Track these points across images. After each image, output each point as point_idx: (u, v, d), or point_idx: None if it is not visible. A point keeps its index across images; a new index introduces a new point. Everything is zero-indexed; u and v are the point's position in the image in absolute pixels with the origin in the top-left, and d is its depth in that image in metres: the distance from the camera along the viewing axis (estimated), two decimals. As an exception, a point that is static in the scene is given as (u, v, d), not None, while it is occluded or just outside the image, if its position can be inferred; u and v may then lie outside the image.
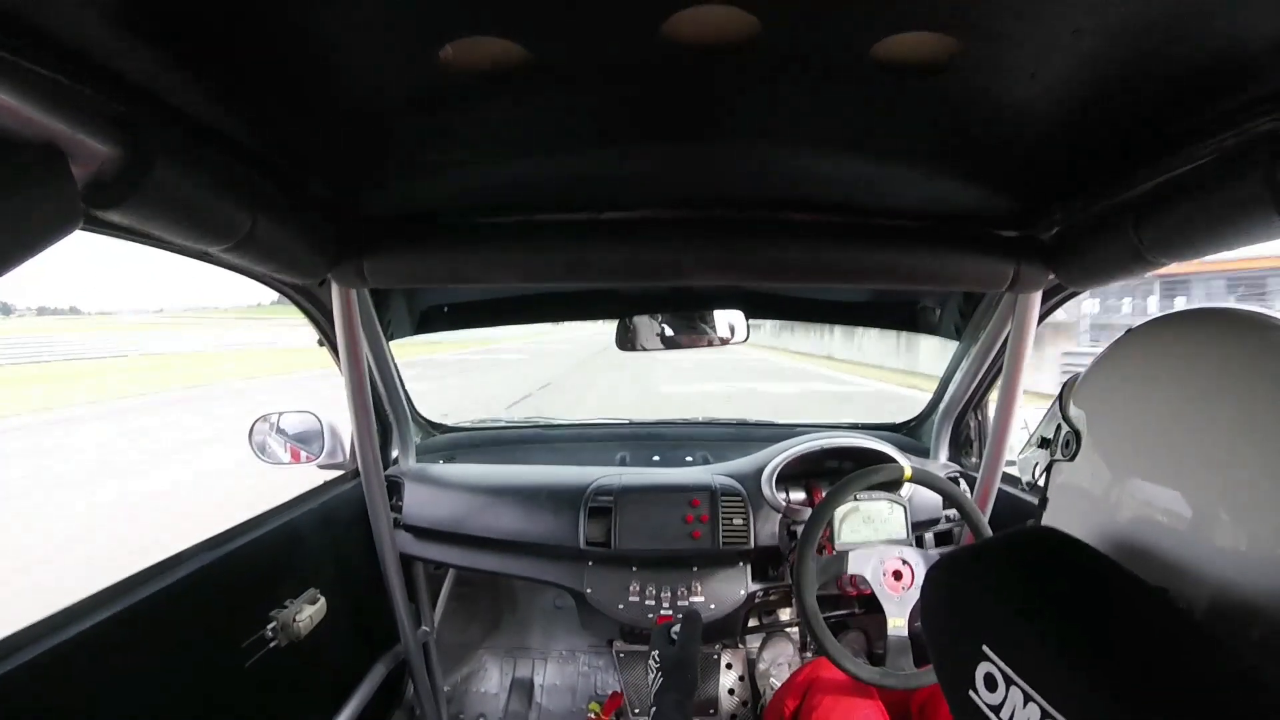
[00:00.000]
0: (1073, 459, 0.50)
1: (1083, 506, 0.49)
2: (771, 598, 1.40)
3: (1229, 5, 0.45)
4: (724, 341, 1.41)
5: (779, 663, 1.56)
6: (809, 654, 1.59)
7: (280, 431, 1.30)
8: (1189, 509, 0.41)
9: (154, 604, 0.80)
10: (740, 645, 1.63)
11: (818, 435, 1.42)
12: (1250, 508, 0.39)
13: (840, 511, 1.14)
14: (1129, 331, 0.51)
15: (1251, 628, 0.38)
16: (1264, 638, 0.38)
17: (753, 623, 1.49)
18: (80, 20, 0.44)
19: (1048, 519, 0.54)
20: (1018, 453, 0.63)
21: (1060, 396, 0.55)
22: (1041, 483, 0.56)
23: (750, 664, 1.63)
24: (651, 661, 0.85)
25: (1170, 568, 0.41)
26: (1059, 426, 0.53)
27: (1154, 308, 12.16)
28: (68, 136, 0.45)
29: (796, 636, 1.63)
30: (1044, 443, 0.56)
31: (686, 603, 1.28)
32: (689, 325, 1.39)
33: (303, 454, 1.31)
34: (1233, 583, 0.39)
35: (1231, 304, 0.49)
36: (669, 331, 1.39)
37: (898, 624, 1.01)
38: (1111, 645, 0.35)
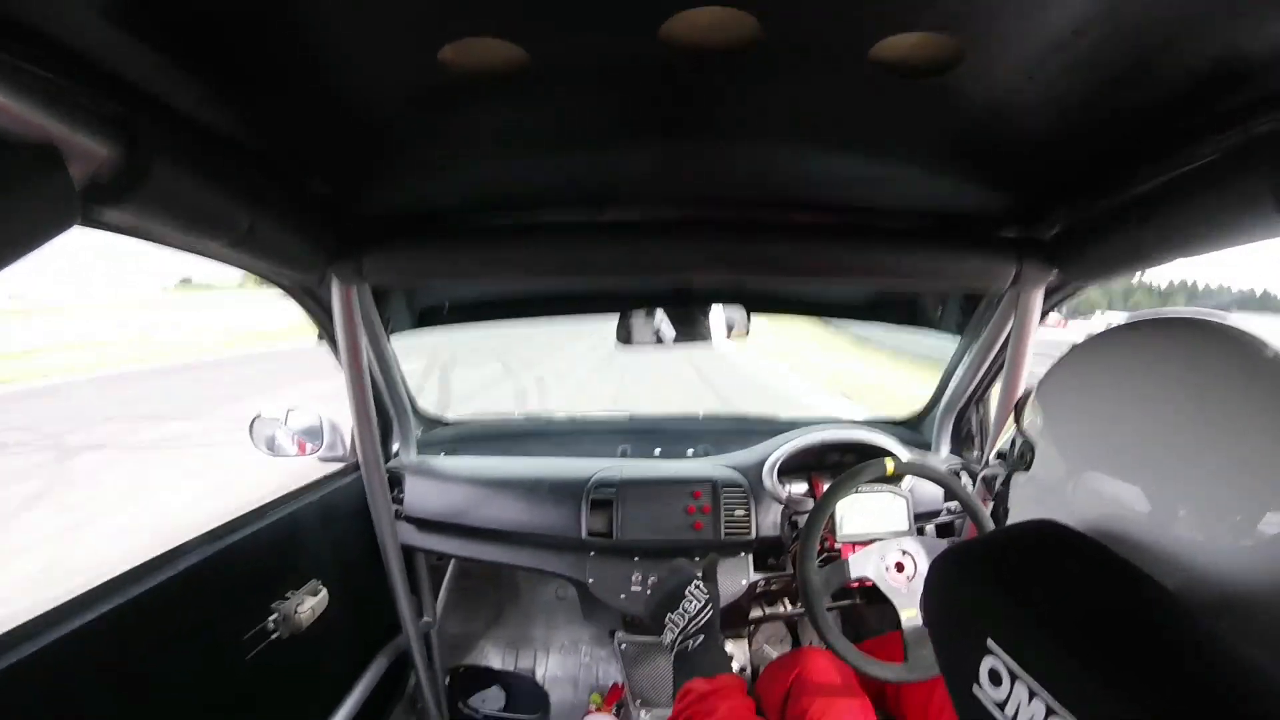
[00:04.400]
0: (1027, 468, 0.51)
1: (1042, 504, 0.49)
2: (773, 587, 1.40)
3: (1230, 6, 0.44)
4: (724, 338, 1.41)
5: (775, 648, 1.58)
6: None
7: (284, 426, 1.31)
8: (1148, 505, 0.41)
9: (156, 596, 0.80)
10: (743, 635, 1.64)
11: (819, 428, 1.42)
12: (1208, 506, 0.39)
13: (842, 505, 1.14)
14: (1090, 337, 0.52)
15: (1221, 618, 0.39)
16: (1233, 627, 0.38)
17: (755, 613, 1.50)
18: (77, 20, 0.44)
19: (1012, 520, 0.54)
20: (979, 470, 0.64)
21: (1017, 408, 0.55)
22: (1001, 489, 0.57)
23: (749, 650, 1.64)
24: (671, 626, 0.84)
25: (1132, 553, 0.42)
26: (1014, 439, 0.53)
27: None
28: (65, 136, 0.45)
29: (794, 620, 1.64)
30: (1000, 456, 0.57)
31: None
32: (689, 323, 1.39)
33: (308, 447, 1.33)
34: (1195, 571, 0.40)
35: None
36: (669, 329, 1.39)
37: (911, 614, 1.00)
38: (1118, 640, 0.35)
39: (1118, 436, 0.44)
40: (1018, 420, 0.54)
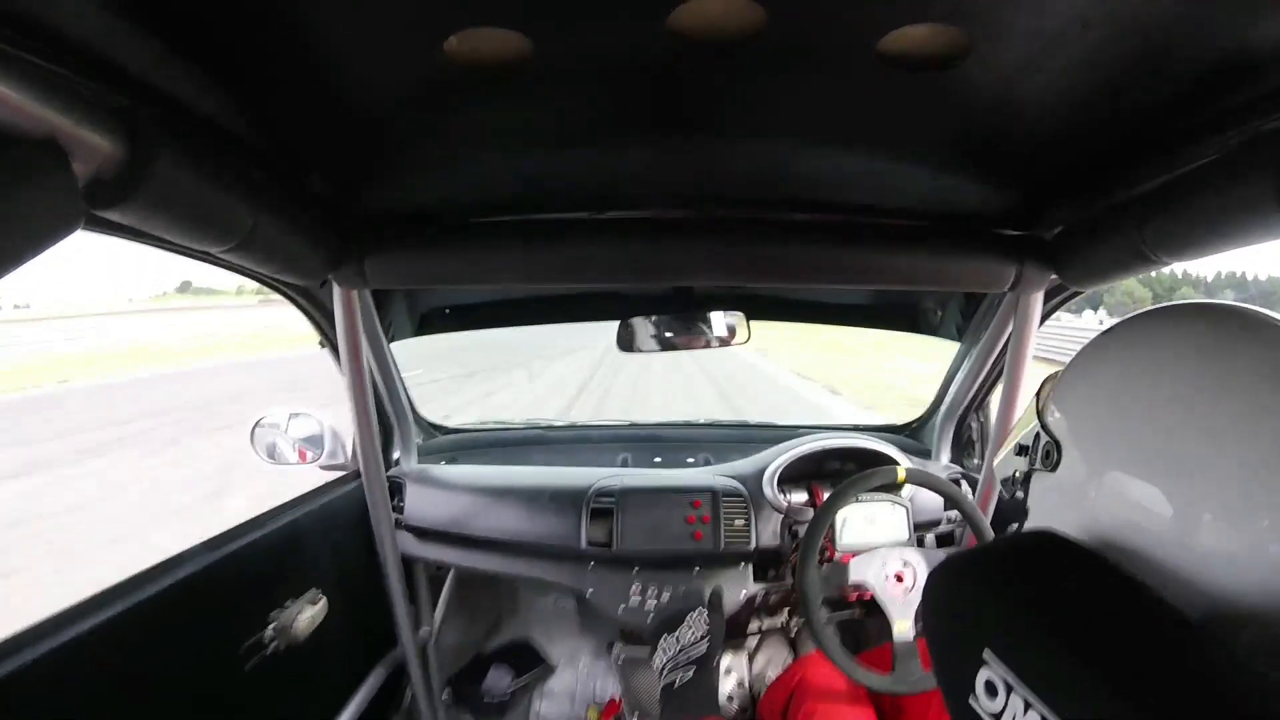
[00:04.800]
0: (1054, 469, 0.48)
1: (1065, 509, 0.47)
2: (772, 599, 1.39)
3: (1237, 3, 0.44)
4: (723, 343, 1.40)
5: (774, 662, 1.55)
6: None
7: (285, 433, 1.32)
8: (1170, 509, 0.39)
9: (153, 606, 0.81)
10: (742, 648, 1.62)
11: (819, 436, 1.41)
12: (1234, 508, 0.37)
13: (841, 514, 1.13)
14: (1110, 328, 0.49)
15: (1243, 629, 0.38)
16: (1257, 640, 0.37)
17: (754, 625, 1.48)
18: (80, 14, 0.44)
19: (1032, 523, 0.52)
20: (996, 461, 0.61)
21: (1038, 396, 0.53)
22: (1020, 493, 0.54)
23: (748, 665, 1.63)
24: (661, 652, 0.81)
25: (1156, 569, 0.40)
26: (1038, 435, 0.51)
27: None
28: (69, 132, 0.45)
29: (793, 633, 1.62)
30: (1022, 450, 0.53)
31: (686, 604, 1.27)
32: (689, 327, 1.38)
33: (309, 454, 1.34)
34: (1221, 584, 0.38)
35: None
36: (669, 333, 1.38)
37: (903, 628, 0.99)
38: (1115, 651, 0.34)
39: (1138, 432, 0.42)
40: (1040, 413, 0.51)
